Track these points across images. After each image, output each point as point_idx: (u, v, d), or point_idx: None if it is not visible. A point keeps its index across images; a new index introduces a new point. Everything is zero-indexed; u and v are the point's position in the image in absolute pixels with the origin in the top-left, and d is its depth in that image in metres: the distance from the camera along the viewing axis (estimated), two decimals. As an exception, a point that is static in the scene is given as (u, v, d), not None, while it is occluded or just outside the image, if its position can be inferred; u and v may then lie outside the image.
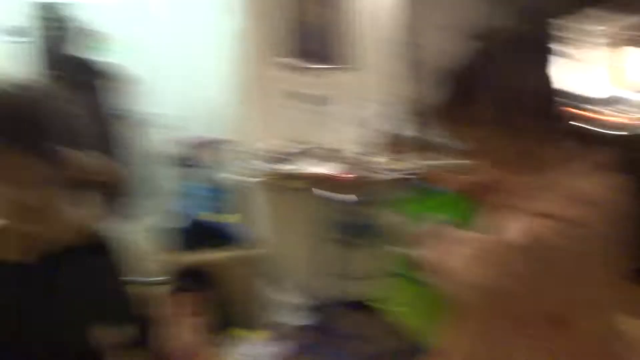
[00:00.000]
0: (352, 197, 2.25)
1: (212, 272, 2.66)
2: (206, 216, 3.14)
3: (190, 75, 3.96)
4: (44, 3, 3.65)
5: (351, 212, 2.28)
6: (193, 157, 3.88)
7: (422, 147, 3.10)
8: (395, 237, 1.07)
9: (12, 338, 0.92)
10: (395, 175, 2.61)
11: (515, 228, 0.81)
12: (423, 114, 3.39)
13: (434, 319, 1.00)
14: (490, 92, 0.84)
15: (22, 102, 0.90)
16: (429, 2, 3.67)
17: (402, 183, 2.75)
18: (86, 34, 2.86)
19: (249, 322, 2.69)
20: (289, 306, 2.71)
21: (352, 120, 3.02)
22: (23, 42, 3.61)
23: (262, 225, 2.96)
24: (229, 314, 2.64)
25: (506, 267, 0.80)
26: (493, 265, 0.81)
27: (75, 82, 2.74)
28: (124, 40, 3.82)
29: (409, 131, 3.06)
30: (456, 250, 0.86)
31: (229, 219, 3.12)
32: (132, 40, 3.83)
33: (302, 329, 2.58)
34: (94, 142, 2.58)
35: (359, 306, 2.88)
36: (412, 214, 1.05)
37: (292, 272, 2.92)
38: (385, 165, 2.77)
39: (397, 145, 2.96)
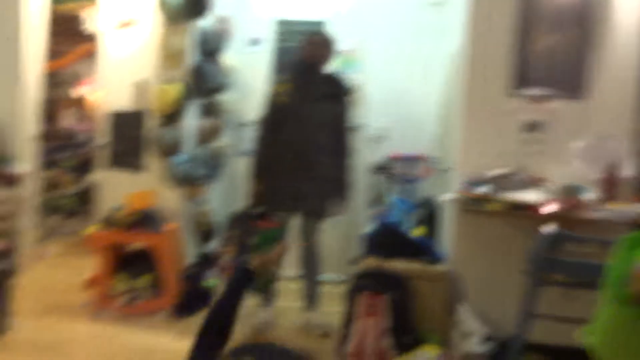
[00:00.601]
0: (552, 230, 2.14)
1: (400, 281, 2.78)
2: (401, 227, 3.29)
3: (406, 91, 4.19)
4: (283, 19, 4.27)
5: (550, 246, 2.17)
6: (398, 170, 4.09)
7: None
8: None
9: None
10: (605, 215, 2.40)
11: None
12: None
13: None
14: None
15: None
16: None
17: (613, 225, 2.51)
18: (326, 48, 3.19)
19: (428, 335, 2.75)
20: (467, 329, 2.68)
21: (570, 151, 2.86)
22: (265, 51, 4.29)
23: (453, 245, 2.98)
24: (410, 322, 2.73)
25: None
26: None
27: (318, 91, 3.22)
28: (352, 55, 4.24)
29: (630, 170, 2.77)
30: None
31: (420, 233, 3.21)
32: (359, 55, 4.22)
33: (476, 356, 2.53)
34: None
35: (539, 348, 2.72)
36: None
37: (475, 297, 2.88)
38: (596, 202, 2.56)
39: (613, 183, 2.71)
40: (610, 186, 2.72)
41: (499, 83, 2.92)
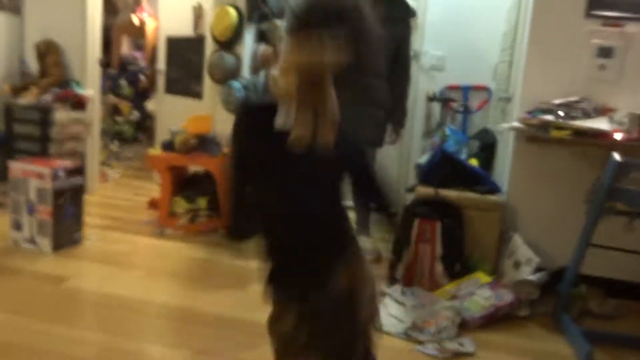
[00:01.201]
0: (619, 158, 2.06)
1: (454, 209, 2.78)
2: (458, 156, 3.24)
3: (468, 18, 3.99)
4: None
5: (616, 174, 2.09)
6: (455, 100, 3.98)
7: None
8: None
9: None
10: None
11: None
12: None
13: None
14: None
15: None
16: None
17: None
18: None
19: (479, 263, 2.76)
20: (519, 258, 2.67)
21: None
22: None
23: (510, 175, 2.92)
24: (462, 250, 2.74)
25: None
26: None
27: (380, 13, 3.06)
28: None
29: None
30: None
31: (476, 163, 3.15)
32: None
33: (528, 284, 2.53)
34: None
35: (589, 281, 2.69)
36: None
37: (529, 227, 2.85)
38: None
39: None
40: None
41: (571, 4, 2.73)
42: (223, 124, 3.75)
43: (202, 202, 3.38)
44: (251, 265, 2.93)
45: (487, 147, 3.41)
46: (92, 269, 2.73)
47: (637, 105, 2.68)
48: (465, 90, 4.04)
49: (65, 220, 2.87)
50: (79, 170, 2.92)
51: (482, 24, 3.95)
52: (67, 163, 2.92)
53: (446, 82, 4.05)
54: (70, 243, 2.92)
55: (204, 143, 3.36)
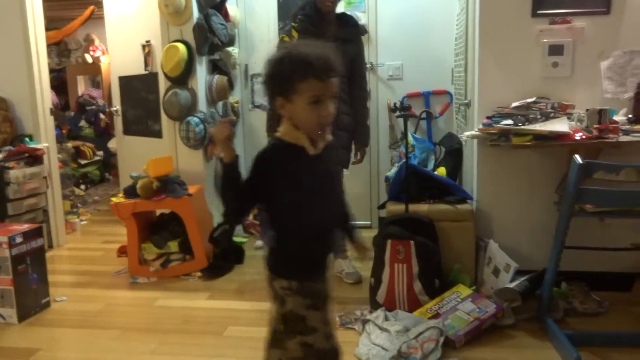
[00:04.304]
0: (580, 159, 2.04)
1: (426, 224, 2.74)
2: (424, 167, 3.21)
3: (421, 26, 3.99)
4: None
5: (580, 176, 2.08)
6: (417, 109, 3.96)
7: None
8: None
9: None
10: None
11: None
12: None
13: None
14: None
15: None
16: None
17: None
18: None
19: (458, 276, 2.73)
20: (497, 266, 2.64)
21: (597, 73, 2.69)
22: None
23: (478, 182, 2.90)
24: (439, 265, 2.70)
25: None
26: None
27: (330, 35, 3.05)
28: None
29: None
30: None
31: (443, 172, 3.13)
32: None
33: (508, 291, 2.50)
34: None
35: (570, 277, 2.68)
36: None
37: (504, 233, 2.83)
38: (626, 123, 2.42)
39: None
40: (642, 105, 2.57)
41: (517, 5, 2.73)
42: (186, 162, 3.67)
43: (172, 246, 3.28)
44: (226, 306, 2.85)
45: (454, 152, 3.39)
46: (64, 336, 2.61)
47: (593, 98, 2.69)
48: (426, 96, 4.03)
49: (30, 286, 2.75)
50: (37, 232, 2.80)
51: (435, 30, 3.96)
52: (24, 226, 2.80)
53: (406, 91, 4.04)
54: (38, 310, 2.80)
55: (167, 185, 3.27)
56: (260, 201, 1.44)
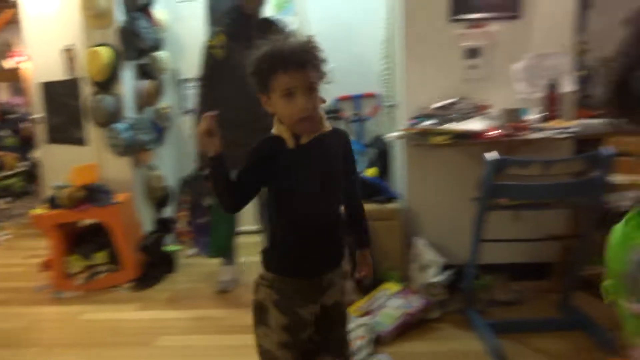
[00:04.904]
0: (494, 156, 2.15)
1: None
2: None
3: (349, 30, 4.07)
4: None
5: (494, 172, 2.18)
6: (347, 111, 4.03)
7: (582, 104, 2.82)
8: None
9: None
10: (550, 134, 2.41)
11: None
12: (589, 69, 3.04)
13: None
14: None
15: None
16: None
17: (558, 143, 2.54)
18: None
19: (388, 273, 2.80)
20: (424, 262, 2.73)
21: (511, 74, 2.84)
22: (199, 2, 4.07)
23: (405, 181, 2.99)
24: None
25: None
26: None
27: (256, 39, 3.03)
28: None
29: (571, 86, 2.78)
30: None
31: (373, 173, 3.20)
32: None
33: (435, 286, 2.59)
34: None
35: (492, 269, 2.81)
36: None
37: (431, 229, 2.93)
38: (539, 123, 2.57)
39: (555, 101, 2.72)
40: (552, 104, 2.73)
41: (437, 10, 2.84)
42: (113, 169, 3.56)
43: (99, 257, 3.17)
44: (158, 315, 2.79)
45: (383, 153, 3.48)
46: (-20, 356, 2.47)
47: (508, 98, 2.83)
48: (357, 99, 4.11)
49: (-60, 306, 2.58)
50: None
51: (364, 34, 4.04)
52: None
53: (337, 94, 4.10)
54: (-48, 330, 2.63)
55: (92, 194, 3.16)
56: (254, 193, 1.44)
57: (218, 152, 1.38)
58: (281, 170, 1.39)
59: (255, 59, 1.37)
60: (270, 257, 1.48)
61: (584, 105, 2.93)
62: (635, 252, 0.79)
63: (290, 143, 1.39)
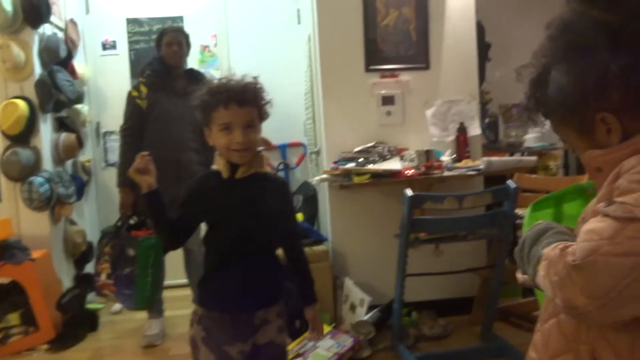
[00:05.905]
0: (410, 193, 2.28)
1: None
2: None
3: (271, 86, 4.21)
4: (135, 19, 4.10)
5: (411, 208, 2.31)
6: (270, 162, 4.11)
7: (489, 147, 3.07)
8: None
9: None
10: (461, 172, 2.60)
11: None
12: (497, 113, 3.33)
13: None
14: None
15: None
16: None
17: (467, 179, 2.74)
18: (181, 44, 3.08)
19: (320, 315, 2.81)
20: (353, 301, 2.78)
21: (426, 119, 3.05)
22: (121, 54, 4.09)
23: (331, 223, 3.07)
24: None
25: None
26: None
27: (178, 90, 3.10)
28: (210, 50, 4.19)
29: (477, 129, 3.03)
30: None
31: (300, 218, 3.26)
32: (216, 51, 4.18)
33: (364, 324, 2.63)
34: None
35: (419, 306, 2.91)
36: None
37: (358, 268, 3.00)
38: (450, 162, 2.76)
39: (464, 143, 2.94)
40: (462, 146, 2.95)
41: (352, 61, 3.03)
42: (29, 225, 3.39)
43: (13, 319, 2.96)
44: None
45: (310, 199, 3.56)
46: None
47: (423, 141, 3.03)
48: (283, 148, 4.21)
49: None
50: None
51: (287, 86, 4.17)
52: None
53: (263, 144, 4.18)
54: None
55: (6, 250, 2.98)
56: (192, 228, 1.51)
57: (152, 189, 1.41)
58: (211, 203, 1.44)
59: (201, 93, 1.45)
60: (200, 289, 1.51)
61: (491, 148, 3.19)
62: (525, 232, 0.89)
63: (225, 173, 1.44)
